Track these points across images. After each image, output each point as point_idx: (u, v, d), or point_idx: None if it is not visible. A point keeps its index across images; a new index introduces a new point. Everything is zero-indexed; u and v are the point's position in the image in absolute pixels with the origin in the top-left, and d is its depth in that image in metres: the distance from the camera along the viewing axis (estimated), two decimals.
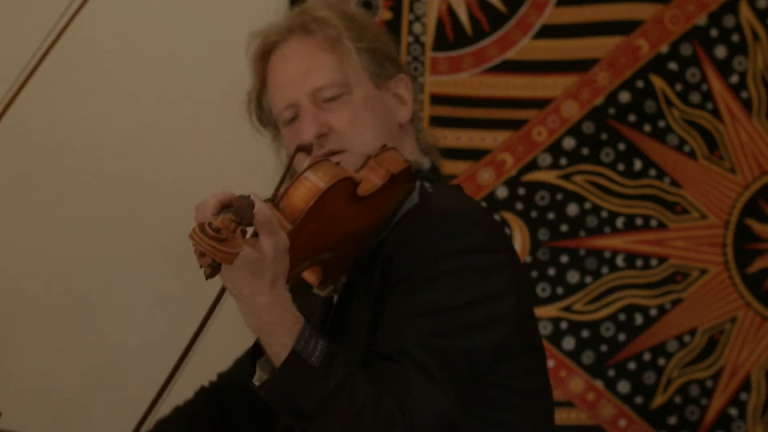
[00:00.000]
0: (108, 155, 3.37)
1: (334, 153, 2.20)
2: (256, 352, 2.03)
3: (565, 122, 3.45)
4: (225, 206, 1.91)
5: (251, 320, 1.96)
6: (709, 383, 3.45)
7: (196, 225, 1.82)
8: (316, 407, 1.94)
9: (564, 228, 3.44)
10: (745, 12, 3.43)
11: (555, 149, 3.44)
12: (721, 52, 3.45)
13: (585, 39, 3.44)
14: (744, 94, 3.44)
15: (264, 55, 2.29)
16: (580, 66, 3.44)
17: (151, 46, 3.37)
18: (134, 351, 3.37)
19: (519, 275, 2.17)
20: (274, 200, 2.00)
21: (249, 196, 1.89)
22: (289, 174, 2.14)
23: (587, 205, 3.45)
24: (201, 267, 1.85)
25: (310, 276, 2.14)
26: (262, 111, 2.34)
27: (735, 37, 3.44)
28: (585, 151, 3.45)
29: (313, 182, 2.01)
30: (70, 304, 3.36)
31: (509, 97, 3.43)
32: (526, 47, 3.44)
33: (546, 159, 3.45)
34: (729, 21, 3.44)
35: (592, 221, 3.45)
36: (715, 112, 3.45)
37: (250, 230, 1.94)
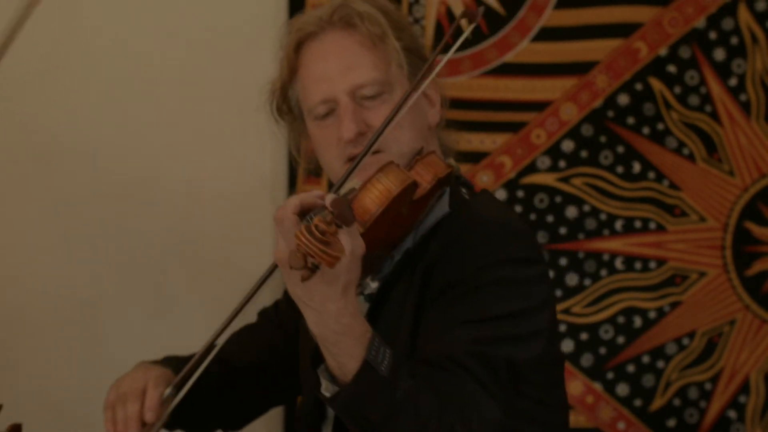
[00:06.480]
0: (110, 158, 3.37)
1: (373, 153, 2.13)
2: (315, 359, 1.96)
3: (563, 125, 3.45)
4: (306, 209, 1.85)
5: (319, 329, 1.89)
6: (708, 386, 3.45)
7: (303, 226, 1.74)
8: (384, 418, 1.90)
9: (563, 230, 3.44)
10: (744, 15, 3.44)
11: (554, 152, 3.44)
12: (719, 54, 3.45)
13: (584, 42, 3.44)
14: (743, 97, 3.45)
15: (299, 46, 2.22)
16: (579, 68, 3.44)
17: (151, 46, 3.37)
18: (135, 352, 3.36)
19: (552, 287, 2.17)
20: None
21: (345, 197, 1.82)
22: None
23: (586, 208, 3.45)
24: (293, 268, 1.75)
25: None
26: (285, 101, 2.27)
27: (734, 40, 3.44)
28: (584, 153, 3.45)
29: (385, 186, 1.99)
30: (72, 305, 3.36)
31: (508, 99, 3.43)
32: (524, 50, 3.44)
33: (545, 161, 3.45)
34: (728, 24, 3.44)
35: (590, 224, 3.45)
36: (714, 115, 3.45)
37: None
